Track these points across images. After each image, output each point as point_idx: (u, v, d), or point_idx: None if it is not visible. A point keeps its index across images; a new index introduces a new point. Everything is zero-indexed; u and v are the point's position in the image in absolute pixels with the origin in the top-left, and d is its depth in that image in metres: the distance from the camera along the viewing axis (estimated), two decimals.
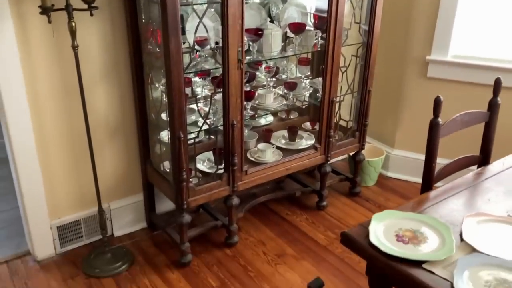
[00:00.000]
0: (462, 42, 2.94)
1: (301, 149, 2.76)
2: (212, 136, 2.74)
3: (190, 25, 2.30)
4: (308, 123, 3.07)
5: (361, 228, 1.39)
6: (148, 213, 2.73)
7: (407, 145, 3.27)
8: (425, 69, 3.04)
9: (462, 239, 1.34)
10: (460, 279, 1.17)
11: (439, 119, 1.67)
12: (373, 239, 1.32)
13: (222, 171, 2.42)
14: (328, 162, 2.84)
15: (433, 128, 1.69)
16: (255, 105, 2.70)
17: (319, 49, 2.67)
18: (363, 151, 3.03)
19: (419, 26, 2.99)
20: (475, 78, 2.88)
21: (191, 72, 2.38)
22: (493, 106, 1.89)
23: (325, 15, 2.56)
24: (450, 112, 1.85)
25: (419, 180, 3.11)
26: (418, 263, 1.24)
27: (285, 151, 2.74)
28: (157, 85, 2.38)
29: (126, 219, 2.69)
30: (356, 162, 3.04)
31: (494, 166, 1.80)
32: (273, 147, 2.71)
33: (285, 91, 2.79)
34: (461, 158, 1.88)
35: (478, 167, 1.91)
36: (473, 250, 1.29)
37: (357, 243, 1.35)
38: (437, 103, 1.64)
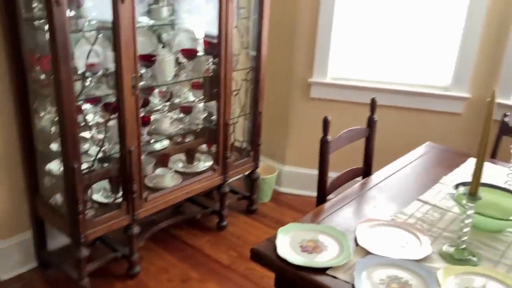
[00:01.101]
0: (339, 65, 3.24)
1: (199, 171, 2.80)
2: (106, 164, 2.66)
3: (79, 51, 2.23)
4: (204, 145, 3.13)
5: (268, 243, 1.47)
6: (38, 251, 2.54)
7: (297, 161, 3.49)
8: (308, 91, 3.29)
9: (357, 244, 1.48)
10: (359, 280, 1.30)
11: (329, 137, 1.84)
12: (280, 252, 1.41)
13: (120, 199, 2.36)
14: (226, 183, 2.92)
15: (324, 146, 1.85)
16: (151, 130, 2.68)
17: (211, 74, 2.76)
18: (257, 169, 3.16)
19: (301, 51, 3.24)
20: (352, 97, 3.20)
21: (82, 99, 2.30)
22: (371, 123, 2.12)
23: (215, 40, 2.66)
24: (333, 128, 2.02)
25: (309, 193, 3.39)
26: (322, 270, 1.35)
27: (184, 175, 2.75)
28: (43, 114, 2.26)
29: (13, 260, 2.47)
30: (252, 181, 3.16)
31: (376, 176, 2.02)
32: (172, 171, 2.71)
33: (181, 115, 2.82)
34: (348, 170, 2.08)
35: (362, 178, 2.12)
36: (368, 253, 1.43)
37: (267, 257, 1.42)
38: (326, 123, 1.81)
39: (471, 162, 2.15)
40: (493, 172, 2.03)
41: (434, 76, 3.11)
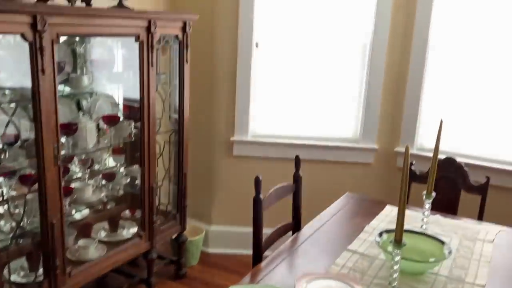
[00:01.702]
0: (259, 122, 3.38)
1: (125, 239, 2.71)
2: (22, 241, 2.47)
3: None
4: (127, 211, 3.04)
5: None
6: None
7: (224, 220, 3.50)
8: (231, 149, 3.38)
9: None
10: None
11: (261, 196, 1.91)
12: None
13: (41, 277, 2.20)
14: (153, 249, 2.84)
15: (257, 205, 1.91)
16: (73, 199, 2.57)
17: (133, 139, 2.74)
18: (184, 232, 3.12)
19: (222, 111, 3.34)
20: (274, 153, 3.34)
21: None
22: (296, 179, 2.24)
23: (136, 105, 2.67)
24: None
25: (238, 251, 3.39)
26: None
27: (108, 244, 2.64)
28: None
29: None
30: (179, 244, 3.10)
31: (305, 230, 2.11)
32: (95, 241, 2.59)
33: (103, 182, 2.74)
34: (279, 227, 2.15)
35: (293, 233, 2.20)
36: None
37: None
38: (257, 183, 1.88)
39: (388, 210, 2.33)
40: (408, 218, 2.22)
41: (346, 130, 3.37)
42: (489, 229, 2.18)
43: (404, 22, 3.14)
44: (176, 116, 2.96)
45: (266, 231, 2.08)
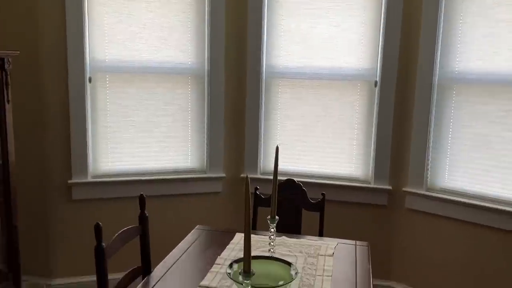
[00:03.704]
0: (101, 162, 3.18)
1: None
2: None
3: None
4: None
5: None
6: None
7: (68, 271, 3.18)
8: (69, 193, 3.10)
9: None
10: None
11: (103, 244, 1.77)
12: None
13: None
14: None
15: (99, 254, 1.76)
16: None
17: None
18: None
19: (56, 153, 3.06)
20: (117, 193, 3.17)
21: None
22: (142, 220, 2.13)
23: None
24: (107, 230, 1.95)
25: None
26: None
27: None
28: None
29: None
30: None
31: (157, 271, 2.01)
32: None
33: None
34: (128, 272, 2.01)
35: (143, 277, 2.08)
36: None
37: None
38: (98, 230, 1.73)
39: (238, 237, 2.37)
40: (257, 243, 2.28)
41: (193, 161, 3.37)
42: (328, 244, 2.36)
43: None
44: None
45: (117, 275, 1.94)
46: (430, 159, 3.12)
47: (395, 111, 3.17)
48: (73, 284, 3.16)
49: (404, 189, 3.20)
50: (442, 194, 3.08)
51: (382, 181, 3.24)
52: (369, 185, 3.27)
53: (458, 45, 2.97)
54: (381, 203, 3.26)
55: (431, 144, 3.12)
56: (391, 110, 3.17)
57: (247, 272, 1.55)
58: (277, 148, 2.05)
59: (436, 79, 3.04)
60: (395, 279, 3.33)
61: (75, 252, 3.16)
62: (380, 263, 3.25)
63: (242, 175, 3.39)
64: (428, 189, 3.14)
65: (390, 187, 3.23)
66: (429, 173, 3.14)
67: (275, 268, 1.92)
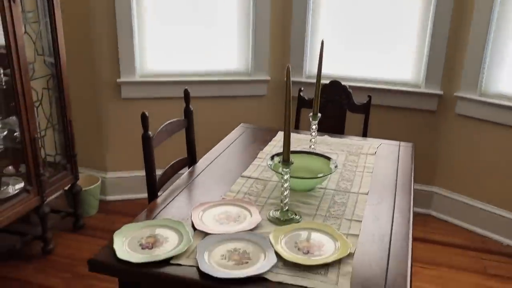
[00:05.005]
0: (148, 61, 3.22)
1: (10, 196, 2.50)
2: None
3: None
4: (10, 167, 2.79)
5: (107, 249, 1.41)
6: None
7: (119, 166, 3.38)
8: (118, 91, 3.20)
9: (195, 229, 1.53)
10: (202, 260, 1.35)
11: (149, 133, 1.84)
12: (120, 255, 1.37)
13: None
14: (45, 203, 2.67)
15: (146, 142, 1.84)
16: None
17: (4, 87, 2.47)
18: (78, 182, 2.97)
19: (103, 51, 3.12)
20: (165, 93, 3.23)
21: None
22: (187, 113, 2.19)
23: (2, 50, 2.39)
24: (151, 126, 2.01)
25: (138, 195, 3.32)
26: (166, 262, 1.36)
27: None
28: None
29: None
30: (74, 195, 2.95)
31: (201, 162, 2.10)
32: None
33: None
34: (174, 163, 2.11)
35: (189, 167, 2.18)
36: (206, 234, 1.50)
37: (107, 264, 1.36)
38: (144, 119, 1.80)
39: (280, 135, 2.40)
40: (298, 141, 2.31)
41: (238, 63, 3.34)
42: (371, 144, 2.35)
43: None
44: (51, 59, 2.71)
45: (162, 170, 2.04)
46: (487, 62, 2.93)
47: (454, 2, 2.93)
48: (126, 179, 3.37)
49: (455, 94, 3.06)
50: (496, 99, 2.93)
51: (433, 86, 3.11)
52: (418, 90, 3.15)
53: None
54: (431, 108, 3.16)
55: (490, 42, 2.89)
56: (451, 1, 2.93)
57: (286, 161, 1.58)
58: (322, 42, 1.99)
59: None
60: (438, 185, 3.31)
61: (126, 148, 3.32)
62: (424, 169, 3.23)
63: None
64: (481, 94, 2.99)
65: (441, 92, 3.10)
66: (484, 76, 2.96)
67: (315, 162, 1.95)
